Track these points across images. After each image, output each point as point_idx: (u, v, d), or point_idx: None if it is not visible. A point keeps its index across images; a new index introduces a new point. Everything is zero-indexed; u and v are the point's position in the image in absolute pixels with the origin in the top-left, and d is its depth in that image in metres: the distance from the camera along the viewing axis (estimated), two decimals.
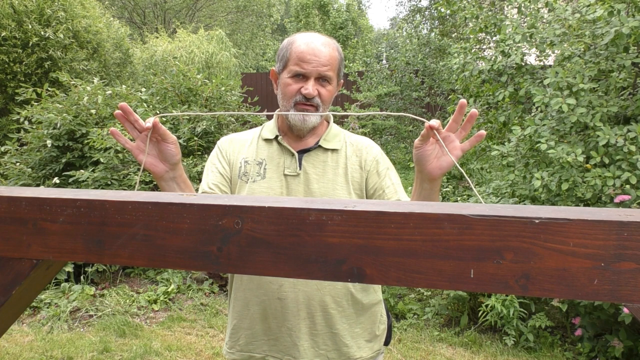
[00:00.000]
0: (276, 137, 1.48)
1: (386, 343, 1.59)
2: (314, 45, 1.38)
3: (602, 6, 3.23)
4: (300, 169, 1.44)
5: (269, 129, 1.52)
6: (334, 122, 1.56)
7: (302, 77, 1.38)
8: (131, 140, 1.24)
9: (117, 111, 1.17)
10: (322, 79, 1.39)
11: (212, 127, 5.33)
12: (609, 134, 2.98)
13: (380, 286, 1.56)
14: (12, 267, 0.63)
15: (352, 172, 1.45)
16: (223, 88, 5.90)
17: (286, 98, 1.41)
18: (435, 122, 1.16)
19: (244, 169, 1.47)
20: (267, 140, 1.50)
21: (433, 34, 11.16)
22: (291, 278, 1.37)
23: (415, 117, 1.17)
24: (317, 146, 1.46)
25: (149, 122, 1.17)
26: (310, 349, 1.43)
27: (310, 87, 1.37)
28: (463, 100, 1.13)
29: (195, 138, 5.05)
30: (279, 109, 1.49)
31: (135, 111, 5.15)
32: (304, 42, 1.40)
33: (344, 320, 1.44)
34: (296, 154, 1.45)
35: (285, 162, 1.45)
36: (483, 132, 1.19)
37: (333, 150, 1.47)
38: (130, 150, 1.22)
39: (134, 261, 0.60)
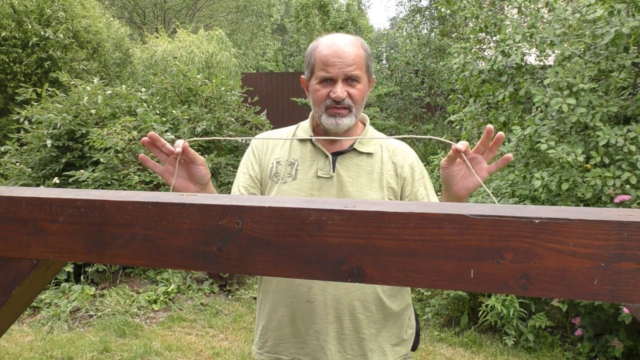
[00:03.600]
0: (310, 136, 1.47)
1: (414, 348, 1.57)
2: (337, 47, 1.36)
3: (602, 6, 3.23)
4: (333, 171, 1.42)
5: (304, 129, 1.50)
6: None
7: (329, 81, 1.36)
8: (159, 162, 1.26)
9: (145, 138, 1.18)
10: (350, 79, 1.36)
11: (212, 127, 5.33)
12: (609, 134, 2.98)
13: (409, 291, 1.54)
14: (12, 267, 0.63)
15: (387, 178, 1.44)
16: (223, 88, 5.90)
17: (317, 104, 1.40)
18: (461, 145, 1.17)
19: (275, 169, 1.46)
20: (301, 140, 1.48)
21: (433, 34, 11.15)
22: (318, 281, 1.37)
23: (443, 140, 1.18)
24: (352, 149, 1.44)
25: (178, 147, 1.18)
26: (337, 353, 1.41)
27: (338, 90, 1.35)
28: (490, 126, 1.15)
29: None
30: (311, 113, 1.49)
31: (135, 111, 5.14)
32: (327, 45, 1.37)
33: (372, 325, 1.43)
34: (330, 156, 1.43)
35: (318, 164, 1.43)
36: (510, 155, 1.21)
37: (368, 154, 1.45)
38: (160, 174, 1.24)
39: (134, 261, 0.60)
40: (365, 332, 1.42)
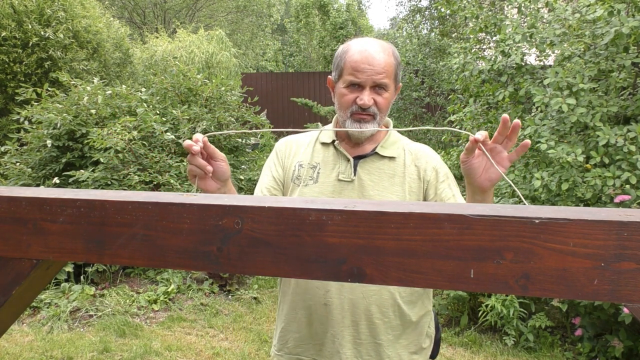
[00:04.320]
0: (333, 141, 1.47)
1: (433, 356, 1.56)
2: (368, 54, 1.35)
3: (602, 6, 3.24)
4: (354, 175, 1.42)
5: (327, 133, 1.51)
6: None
7: (357, 86, 1.36)
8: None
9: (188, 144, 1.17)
10: (378, 87, 1.36)
11: (212, 127, 5.33)
12: (609, 134, 2.98)
13: (430, 298, 1.53)
14: (12, 267, 0.63)
15: (410, 182, 1.43)
16: (223, 88, 5.90)
17: (342, 108, 1.40)
18: (480, 135, 1.14)
19: (298, 172, 1.47)
20: (324, 144, 1.49)
21: (433, 34, 11.16)
22: (336, 283, 1.37)
23: (460, 131, 1.17)
24: (374, 153, 1.45)
25: (199, 142, 1.16)
26: (353, 357, 1.41)
27: (365, 98, 1.35)
28: (505, 116, 1.12)
29: None
30: (336, 116, 1.49)
31: (135, 111, 5.13)
32: (358, 51, 1.37)
33: (389, 331, 1.42)
34: (352, 160, 1.44)
35: (340, 167, 1.44)
36: (528, 141, 1.18)
37: (390, 157, 1.45)
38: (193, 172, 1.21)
39: (134, 261, 0.60)
40: (382, 338, 1.41)
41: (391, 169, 1.44)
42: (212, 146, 1.20)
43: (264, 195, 1.45)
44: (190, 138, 1.24)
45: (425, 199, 1.45)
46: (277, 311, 1.55)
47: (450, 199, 1.43)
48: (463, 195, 1.46)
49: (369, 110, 1.36)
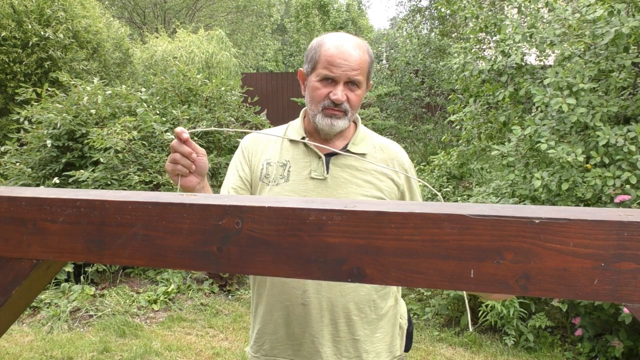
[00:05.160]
0: (303, 138, 1.45)
1: (406, 349, 1.57)
2: (344, 49, 1.34)
3: (602, 6, 3.24)
4: (327, 172, 1.41)
5: (295, 129, 1.49)
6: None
7: (331, 81, 1.36)
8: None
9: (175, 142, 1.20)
10: (351, 84, 1.36)
11: (212, 127, 5.33)
12: (609, 134, 2.98)
13: (398, 288, 1.54)
14: (12, 267, 0.63)
15: (382, 178, 1.44)
16: (223, 88, 5.90)
17: (314, 102, 1.39)
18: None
19: (266, 170, 1.44)
20: (292, 141, 1.46)
21: (433, 34, 11.15)
22: (313, 282, 1.37)
23: (427, 185, 1.19)
24: (345, 150, 1.44)
25: (185, 134, 1.17)
26: (333, 355, 1.41)
27: (339, 93, 1.34)
28: None
29: (195, 138, 5.05)
30: (304, 109, 1.48)
31: (135, 111, 5.12)
32: (334, 45, 1.36)
33: (366, 326, 1.43)
34: (323, 157, 1.42)
35: (312, 165, 1.42)
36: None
37: (361, 154, 1.45)
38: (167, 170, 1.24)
39: (134, 261, 0.60)
40: (359, 333, 1.42)
41: (363, 165, 1.44)
42: (193, 143, 1.21)
43: (230, 194, 1.44)
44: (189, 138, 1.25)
45: (402, 198, 1.48)
46: (252, 313, 1.53)
47: (418, 186, 1.52)
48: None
49: (341, 106, 1.36)
